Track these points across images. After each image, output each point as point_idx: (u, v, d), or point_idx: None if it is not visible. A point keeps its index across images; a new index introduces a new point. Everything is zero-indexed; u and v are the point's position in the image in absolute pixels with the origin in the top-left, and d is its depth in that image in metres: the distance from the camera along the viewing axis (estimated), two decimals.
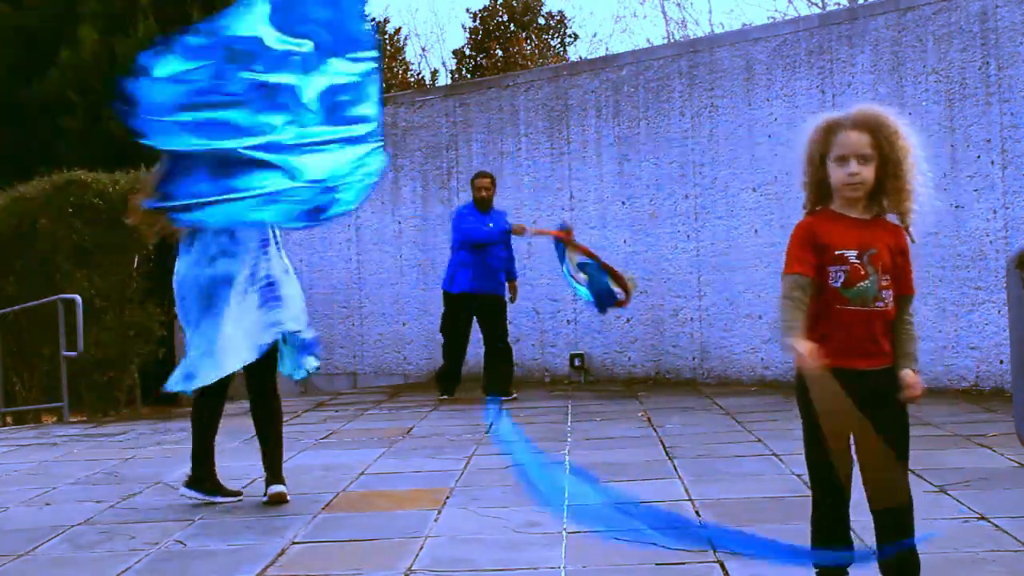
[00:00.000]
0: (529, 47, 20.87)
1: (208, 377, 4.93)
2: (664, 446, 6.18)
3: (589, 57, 23.38)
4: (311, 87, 4.67)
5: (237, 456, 6.39)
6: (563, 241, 8.30)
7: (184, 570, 4.07)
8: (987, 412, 6.97)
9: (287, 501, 5.04)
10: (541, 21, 22.07)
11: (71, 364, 9.82)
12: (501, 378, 8.83)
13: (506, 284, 8.94)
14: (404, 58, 20.54)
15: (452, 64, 22.55)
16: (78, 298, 9.52)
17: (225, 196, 4.50)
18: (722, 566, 3.72)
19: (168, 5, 16.68)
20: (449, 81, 21.70)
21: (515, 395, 8.85)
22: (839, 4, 21.32)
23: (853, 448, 3.07)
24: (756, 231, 9.11)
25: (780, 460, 5.54)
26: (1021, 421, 4.41)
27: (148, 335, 10.80)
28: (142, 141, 4.50)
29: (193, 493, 5.17)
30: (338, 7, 4.81)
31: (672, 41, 22.39)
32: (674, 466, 5.55)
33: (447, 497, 5.05)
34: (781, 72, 9.04)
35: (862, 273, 2.99)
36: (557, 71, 10.80)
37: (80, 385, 10.30)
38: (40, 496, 5.62)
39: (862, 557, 3.14)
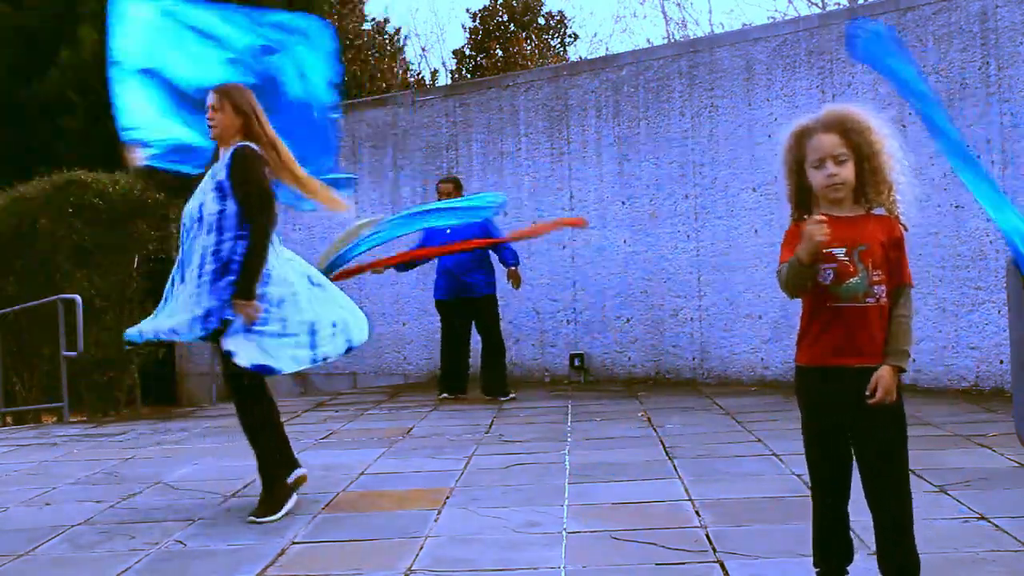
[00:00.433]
0: (529, 47, 20.88)
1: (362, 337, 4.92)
2: (664, 446, 6.18)
3: (589, 57, 23.39)
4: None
5: (239, 456, 6.39)
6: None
7: (184, 570, 4.07)
8: (987, 412, 6.97)
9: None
10: (541, 21, 22.08)
11: (71, 364, 9.82)
12: (493, 378, 8.86)
13: (483, 284, 8.84)
14: (404, 58, 20.54)
15: (452, 64, 22.56)
16: (78, 298, 9.52)
17: None
18: (722, 566, 3.72)
19: None
20: (449, 81, 21.70)
21: (513, 394, 8.85)
22: (839, 4, 21.31)
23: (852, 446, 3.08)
24: (756, 231, 9.11)
25: (780, 460, 5.54)
26: (1021, 421, 4.39)
27: None
28: None
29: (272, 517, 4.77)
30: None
31: (672, 41, 22.39)
32: (674, 466, 5.55)
33: (447, 497, 5.05)
34: (781, 72, 9.04)
35: (851, 270, 3.00)
36: (557, 71, 10.80)
37: (80, 385, 10.30)
38: (40, 496, 5.62)
39: None
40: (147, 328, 4.90)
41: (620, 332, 9.93)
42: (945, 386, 8.06)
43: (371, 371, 11.43)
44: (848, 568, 3.16)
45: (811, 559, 3.21)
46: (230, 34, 5.31)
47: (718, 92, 9.39)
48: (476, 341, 9.10)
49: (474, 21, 21.72)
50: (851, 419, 3.01)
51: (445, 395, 9.02)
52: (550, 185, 10.34)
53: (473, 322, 8.92)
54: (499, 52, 20.54)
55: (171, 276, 4.94)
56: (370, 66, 17.59)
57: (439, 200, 8.84)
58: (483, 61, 20.88)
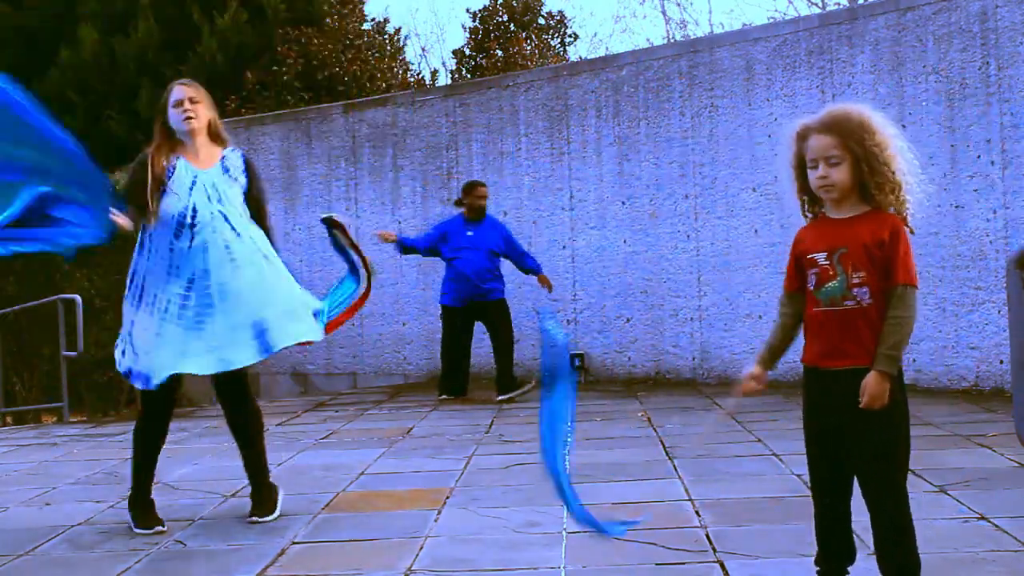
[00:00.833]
0: (529, 47, 20.84)
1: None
2: (664, 446, 6.18)
3: (589, 57, 23.39)
4: None
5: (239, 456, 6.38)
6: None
7: (184, 570, 4.07)
8: (987, 412, 6.97)
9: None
10: (541, 21, 22.04)
11: (71, 364, 9.82)
12: (500, 375, 8.92)
13: (498, 291, 8.98)
14: (404, 58, 20.49)
15: (452, 64, 22.54)
16: (78, 298, 9.52)
17: None
18: (722, 566, 3.72)
19: (168, 5, 16.71)
20: (449, 81, 21.69)
21: (531, 384, 8.85)
22: (839, 4, 21.32)
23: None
24: (756, 231, 9.11)
25: (780, 460, 5.54)
26: (1021, 421, 4.40)
27: None
28: None
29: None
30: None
31: (672, 41, 22.40)
32: (674, 466, 5.55)
33: (447, 497, 5.05)
34: (781, 72, 9.04)
35: (831, 273, 3.01)
36: (557, 71, 10.80)
37: (80, 385, 10.31)
38: (40, 496, 5.62)
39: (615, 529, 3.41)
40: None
41: (620, 332, 9.93)
42: (945, 386, 8.05)
43: (371, 371, 11.43)
44: (849, 568, 3.16)
45: (811, 559, 3.21)
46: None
47: (718, 92, 9.38)
48: (477, 342, 9.12)
49: (474, 21, 21.70)
50: (847, 420, 3.00)
51: (445, 396, 9.03)
52: (550, 185, 10.34)
53: (479, 322, 9.00)
54: (499, 52, 20.51)
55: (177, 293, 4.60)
56: (370, 66, 17.56)
57: (479, 203, 8.89)
58: (483, 61, 20.86)
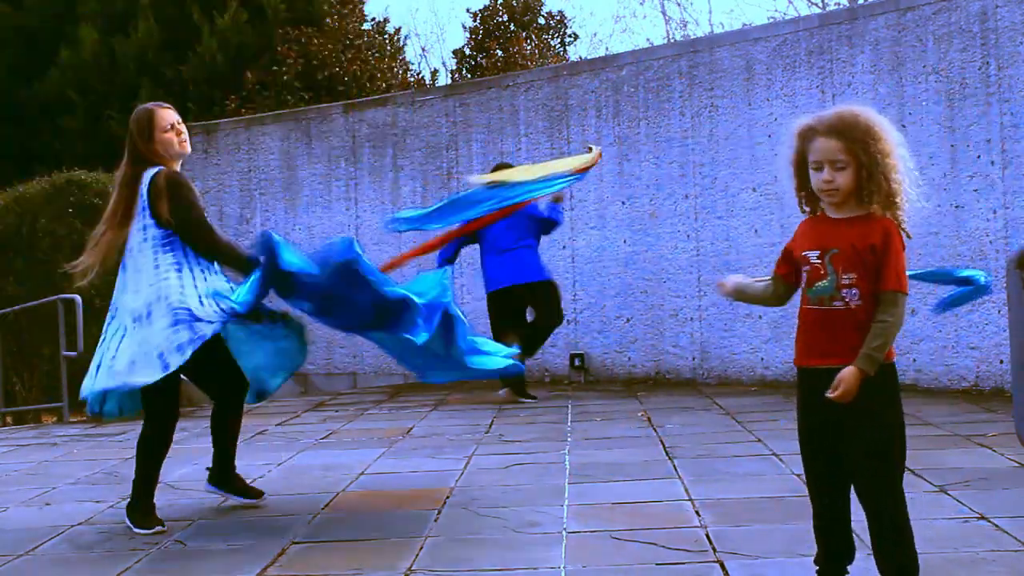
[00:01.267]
0: (529, 47, 20.84)
1: None
2: (664, 446, 6.18)
3: (589, 57, 23.39)
4: None
5: (239, 456, 6.38)
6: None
7: (184, 570, 4.07)
8: (987, 412, 6.97)
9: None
10: (541, 21, 22.05)
11: (71, 364, 9.81)
12: (527, 339, 8.41)
13: (544, 268, 8.72)
14: (404, 58, 20.48)
15: (452, 64, 22.55)
16: (78, 298, 9.51)
17: None
18: (722, 566, 3.73)
19: (168, 5, 16.72)
20: (449, 81, 21.69)
21: (525, 398, 8.73)
22: (839, 4, 21.33)
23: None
24: (756, 231, 9.11)
25: (780, 460, 5.54)
26: (1021, 421, 4.41)
27: None
28: None
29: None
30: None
31: (672, 41, 22.40)
32: (674, 466, 5.55)
33: (447, 497, 5.05)
34: (781, 72, 9.04)
35: (821, 273, 3.04)
36: (557, 71, 10.80)
37: (80, 385, 10.30)
38: (40, 496, 5.62)
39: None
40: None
41: (620, 332, 9.93)
42: (945, 386, 8.06)
43: (371, 371, 11.43)
44: (849, 567, 3.16)
45: (811, 559, 3.22)
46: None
47: (718, 92, 9.39)
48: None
49: (474, 21, 21.71)
50: (837, 418, 3.01)
51: (523, 399, 8.72)
52: None
53: (530, 307, 8.74)
54: (499, 52, 20.51)
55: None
56: (370, 66, 17.56)
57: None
58: (483, 61, 20.86)
